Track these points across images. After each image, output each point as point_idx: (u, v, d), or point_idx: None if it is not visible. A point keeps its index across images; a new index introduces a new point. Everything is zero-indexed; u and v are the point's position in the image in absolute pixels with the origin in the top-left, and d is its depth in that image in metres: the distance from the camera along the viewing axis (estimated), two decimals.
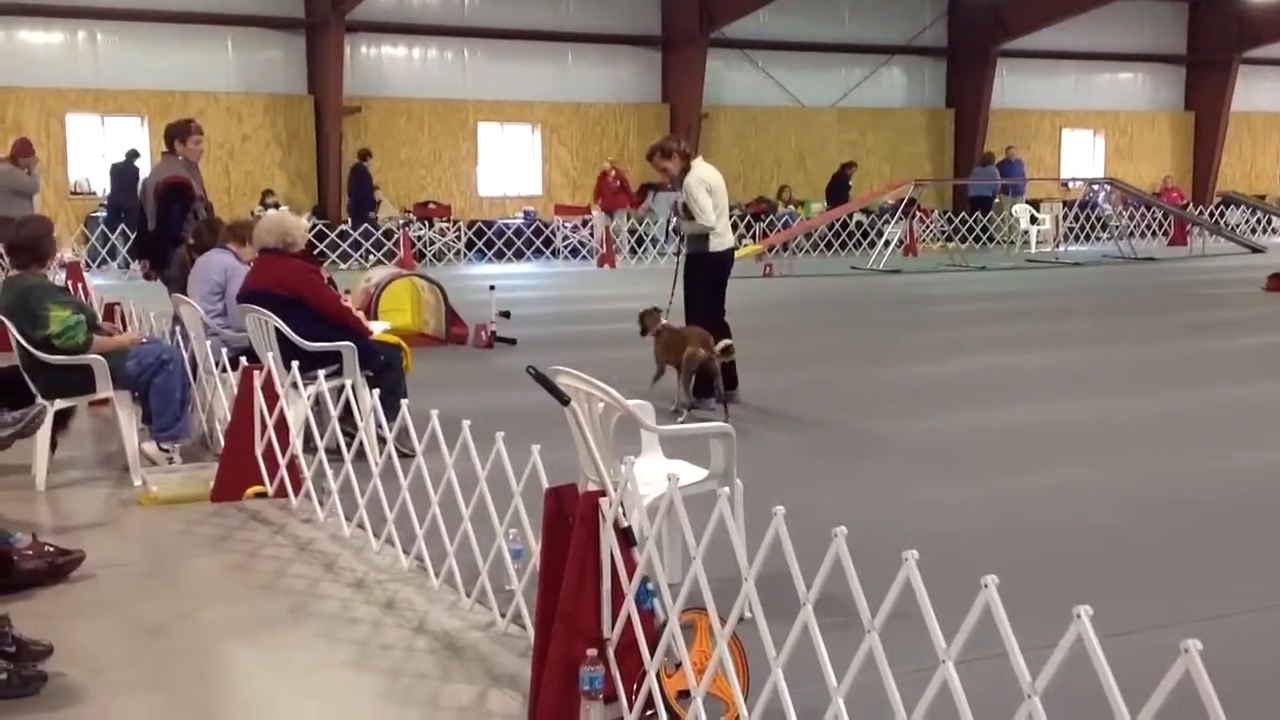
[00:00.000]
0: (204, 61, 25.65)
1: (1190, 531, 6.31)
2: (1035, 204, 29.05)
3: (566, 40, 28.73)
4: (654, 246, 24.96)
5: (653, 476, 4.70)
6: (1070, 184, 32.32)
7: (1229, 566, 5.75)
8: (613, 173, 25.99)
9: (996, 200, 28.97)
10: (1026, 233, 27.76)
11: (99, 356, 7.22)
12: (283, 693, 4.50)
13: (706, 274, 9.62)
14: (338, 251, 23.09)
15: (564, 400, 4.21)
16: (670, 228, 10.15)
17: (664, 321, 9.47)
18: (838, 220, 27.04)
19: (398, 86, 27.44)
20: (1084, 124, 34.86)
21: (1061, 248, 27.60)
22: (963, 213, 28.06)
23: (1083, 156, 34.89)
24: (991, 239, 28.28)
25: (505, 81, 28.14)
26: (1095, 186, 30.18)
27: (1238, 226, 30.51)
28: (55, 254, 7.49)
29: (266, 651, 4.86)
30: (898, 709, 2.97)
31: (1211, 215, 30.57)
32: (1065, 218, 29.27)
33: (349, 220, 24.50)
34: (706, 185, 9.41)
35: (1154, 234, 29.82)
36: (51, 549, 5.53)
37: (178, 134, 10.15)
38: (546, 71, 28.62)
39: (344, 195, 25.88)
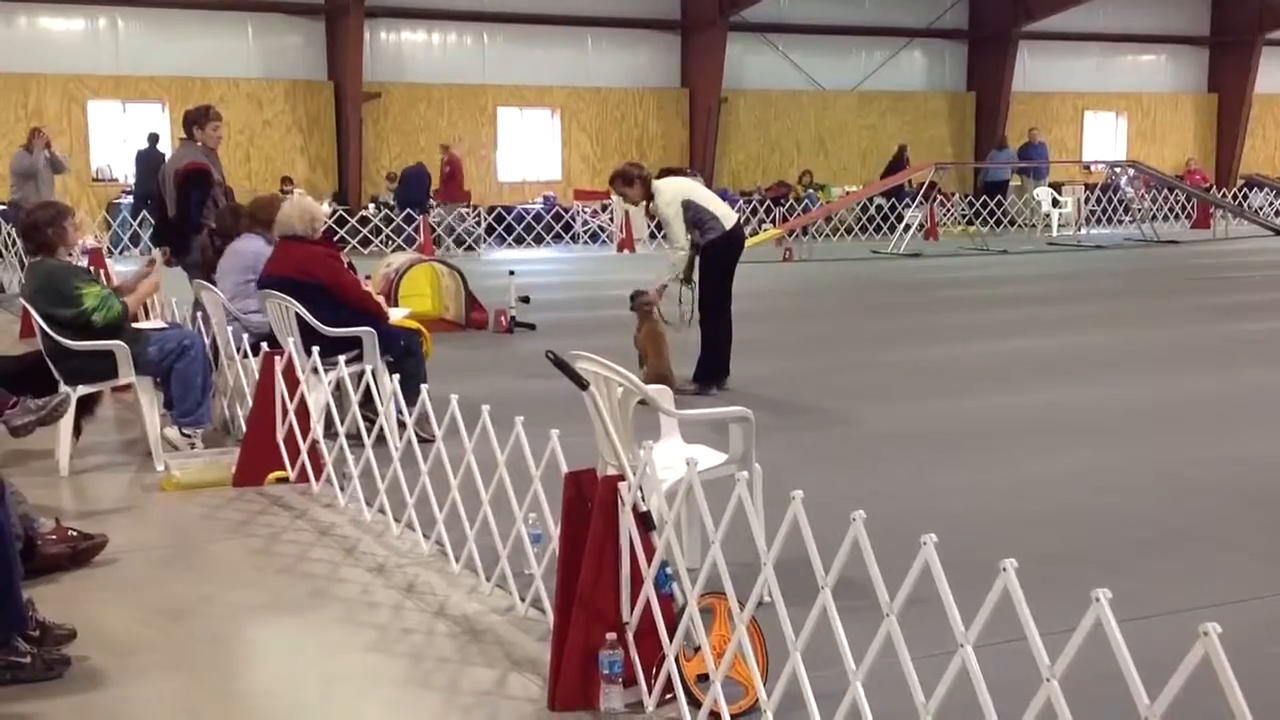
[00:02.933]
0: (225, 47, 25.71)
1: (1212, 515, 6.28)
2: (1057, 187, 28.91)
3: (586, 24, 28.69)
4: None
5: (672, 461, 4.70)
6: (1092, 167, 32.15)
7: (1250, 549, 5.72)
8: (443, 158, 24.27)
9: (1018, 184, 28.82)
10: (1048, 216, 27.63)
11: (121, 343, 7.26)
12: (304, 676, 4.53)
13: (722, 256, 9.46)
14: (358, 237, 23.13)
15: (583, 385, 4.22)
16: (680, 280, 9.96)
17: (655, 313, 9.43)
18: (858, 204, 26.98)
19: (417, 72, 27.46)
20: (1106, 106, 34.67)
21: (1083, 231, 27.47)
22: (984, 196, 27.97)
23: (1105, 139, 34.70)
24: (1013, 223, 28.16)
25: (524, 66, 28.13)
26: (1117, 169, 30.02)
27: (1261, 209, 30.31)
28: (68, 242, 7.47)
29: (288, 635, 4.89)
30: (916, 693, 2.97)
31: (1234, 198, 30.38)
32: (1087, 201, 29.11)
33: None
34: (680, 197, 9.27)
35: (1176, 217, 29.64)
36: (74, 533, 5.57)
37: (197, 120, 10.18)
38: (566, 56, 28.59)
39: (364, 181, 26.01)
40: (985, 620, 2.79)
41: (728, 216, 9.47)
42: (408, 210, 23.88)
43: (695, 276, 9.53)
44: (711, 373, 9.52)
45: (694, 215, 9.31)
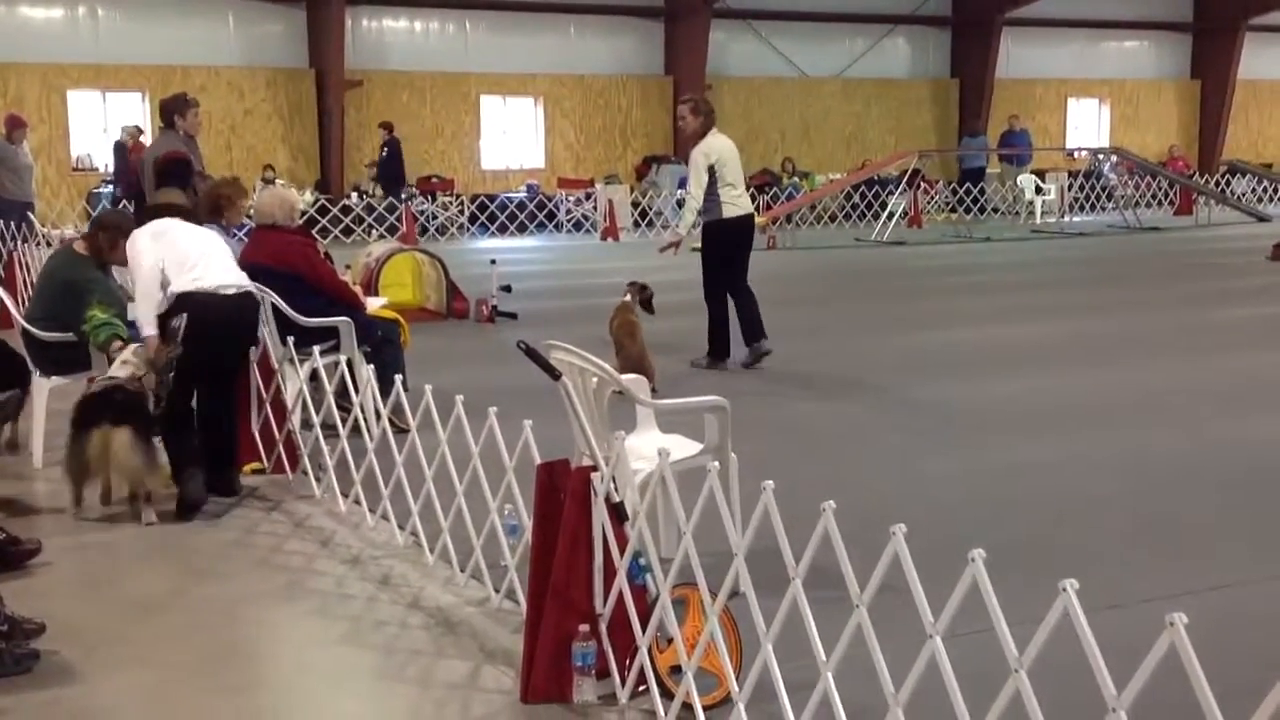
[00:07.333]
0: (205, 35, 25.54)
1: (1189, 502, 6.27)
2: (1040, 174, 28.89)
3: (568, 12, 28.59)
4: (657, 220, 24.80)
5: (648, 451, 4.67)
6: (1076, 153, 32.15)
7: (1230, 536, 5.72)
8: (128, 143, 21.55)
9: (999, 171, 28.80)
10: (1031, 203, 27.62)
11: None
12: (277, 669, 4.49)
13: (718, 242, 9.71)
14: (340, 226, 23.03)
15: (555, 375, 4.18)
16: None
17: (626, 299, 9.34)
18: (842, 192, 26.95)
19: (400, 60, 27.33)
20: (1090, 93, 34.66)
21: (1066, 218, 27.48)
22: (967, 184, 27.94)
23: (1088, 126, 34.69)
24: (996, 210, 28.14)
25: (507, 54, 28.02)
26: (1101, 156, 30.01)
27: (1243, 195, 30.34)
28: (117, 260, 7.29)
29: (261, 628, 4.85)
30: (886, 683, 2.95)
31: (1217, 184, 30.42)
32: (1070, 187, 29.11)
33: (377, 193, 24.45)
34: (711, 158, 9.42)
35: (1159, 203, 29.66)
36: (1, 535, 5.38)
37: (176, 108, 10.12)
38: (549, 44, 28.48)
39: (346, 170, 25.93)
40: (957, 610, 2.76)
41: (732, 204, 9.56)
42: (389, 199, 23.81)
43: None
44: (713, 349, 9.87)
45: (709, 184, 9.42)
